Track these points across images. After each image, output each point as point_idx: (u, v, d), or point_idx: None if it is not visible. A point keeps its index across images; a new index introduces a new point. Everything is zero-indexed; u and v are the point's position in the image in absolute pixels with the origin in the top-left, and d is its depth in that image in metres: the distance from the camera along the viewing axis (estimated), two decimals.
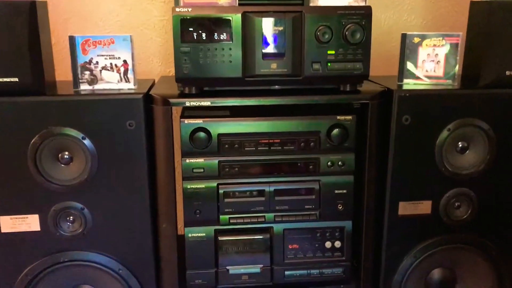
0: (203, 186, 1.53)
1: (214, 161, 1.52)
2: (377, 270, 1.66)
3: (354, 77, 1.46)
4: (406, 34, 1.59)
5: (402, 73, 1.61)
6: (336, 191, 1.58)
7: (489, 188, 1.59)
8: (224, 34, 1.40)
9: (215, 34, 1.39)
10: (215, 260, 1.59)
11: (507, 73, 1.52)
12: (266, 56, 1.42)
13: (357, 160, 1.58)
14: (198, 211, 1.54)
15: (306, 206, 1.58)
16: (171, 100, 1.44)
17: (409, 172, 1.56)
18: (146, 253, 1.52)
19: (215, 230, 1.57)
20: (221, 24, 1.39)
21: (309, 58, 1.43)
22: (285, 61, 1.43)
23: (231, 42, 1.40)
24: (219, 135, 1.50)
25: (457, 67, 1.58)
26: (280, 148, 1.52)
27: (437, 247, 1.63)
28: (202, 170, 1.52)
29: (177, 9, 1.38)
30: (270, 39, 1.42)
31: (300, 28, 1.41)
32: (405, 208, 1.60)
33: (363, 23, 1.42)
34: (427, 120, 1.53)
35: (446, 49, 1.57)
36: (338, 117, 1.53)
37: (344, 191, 1.58)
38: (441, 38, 1.57)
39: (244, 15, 1.40)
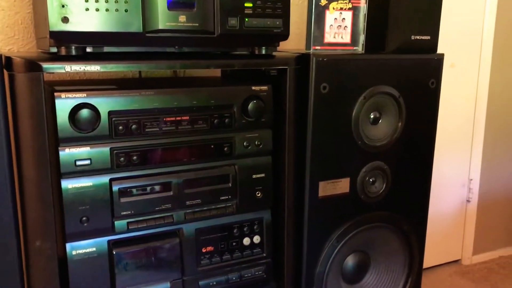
0: (91, 184, 1.13)
1: (105, 148, 1.14)
2: (299, 263, 1.45)
3: (273, 36, 1.23)
4: None
5: (310, 39, 1.45)
6: (254, 176, 1.33)
7: (400, 159, 1.53)
8: None
9: None
10: (111, 281, 1.19)
11: (413, 37, 1.47)
12: (172, 5, 1.11)
13: (274, 138, 1.35)
14: (85, 218, 1.13)
15: (222, 197, 1.29)
16: (43, 65, 1.02)
17: (328, 148, 1.40)
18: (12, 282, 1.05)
19: (109, 241, 1.18)
20: None
21: (224, 10, 1.16)
22: (195, 13, 1.13)
23: None
24: (111, 113, 1.12)
25: (363, 33, 1.48)
26: (190, 127, 1.21)
27: (354, 230, 1.50)
28: (88, 162, 1.12)
29: None
30: None
31: None
32: (325, 189, 1.43)
33: None
34: (344, 88, 1.39)
35: (352, 13, 1.46)
36: (253, 88, 1.29)
37: (263, 175, 1.34)
38: (347, 1, 1.45)
39: None
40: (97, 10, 1.03)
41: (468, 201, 2.65)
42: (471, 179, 2.61)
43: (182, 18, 1.12)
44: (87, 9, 1.02)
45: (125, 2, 1.06)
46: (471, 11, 2.33)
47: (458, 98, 2.41)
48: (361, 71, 1.40)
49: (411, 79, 1.49)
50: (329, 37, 1.46)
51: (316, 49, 1.45)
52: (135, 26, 1.08)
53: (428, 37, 1.49)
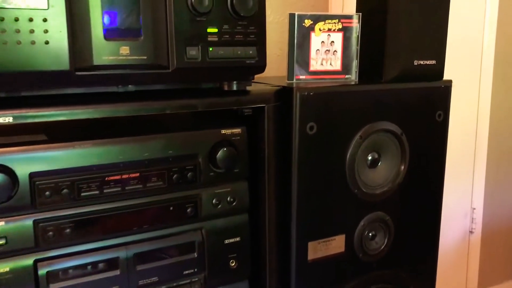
0: (7, 269, 0.85)
1: (26, 221, 0.86)
2: None
3: (245, 69, 0.97)
4: (295, 14, 1.17)
5: (293, 68, 1.19)
6: (226, 241, 1.06)
7: (404, 207, 1.27)
8: None
9: None
10: None
11: (416, 62, 1.22)
12: (110, 33, 0.84)
13: (251, 191, 1.09)
14: None
15: (186, 271, 1.02)
16: None
17: (318, 200, 1.14)
18: None
19: None
20: None
21: (181, 38, 0.90)
22: (142, 43, 0.87)
23: (46, 8, 0.79)
24: (33, 175, 0.85)
25: (356, 58, 1.23)
26: (140, 186, 0.94)
27: None
28: (3, 242, 0.84)
29: None
30: (116, 6, 0.84)
31: None
32: (316, 250, 1.16)
33: None
34: (335, 127, 1.13)
35: (343, 35, 1.21)
36: (224, 131, 1.02)
37: (237, 238, 1.07)
38: (336, 21, 1.20)
39: None
40: (4, 43, 0.76)
41: (471, 232, 2.41)
42: (474, 208, 2.37)
43: (125, 50, 0.85)
44: None
45: (44, 32, 0.79)
46: (469, 23, 2.10)
47: (457, 120, 2.17)
48: (355, 106, 1.15)
49: (414, 112, 1.24)
50: (315, 64, 1.21)
51: (300, 79, 1.20)
52: (60, 63, 0.81)
53: (434, 62, 1.25)
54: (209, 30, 0.92)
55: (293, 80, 1.20)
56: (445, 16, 1.25)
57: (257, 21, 0.96)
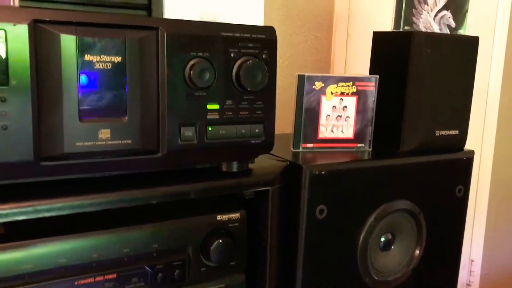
0: None
1: None
2: None
3: (249, 149, 0.81)
4: (304, 76, 1.02)
5: (299, 135, 1.04)
6: None
7: None
8: None
9: None
10: None
11: (437, 133, 1.08)
12: (87, 114, 0.67)
13: (248, 284, 0.92)
14: None
15: None
16: None
17: None
18: None
19: None
20: None
21: (175, 117, 0.73)
22: (127, 124, 0.70)
23: (5, 85, 0.62)
24: None
25: (371, 125, 1.08)
26: None
27: None
28: None
29: None
30: (95, 80, 0.68)
31: (155, 60, 0.71)
32: None
33: (265, 56, 0.79)
34: (347, 209, 0.98)
35: (357, 99, 1.06)
36: (219, 217, 0.86)
37: None
38: (350, 83, 1.05)
39: (36, 28, 0.63)
40: None
41: (468, 285, 2.27)
42: (473, 260, 2.24)
43: (105, 133, 0.69)
44: None
45: (2, 115, 0.61)
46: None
47: None
48: (370, 183, 1.00)
49: (433, 188, 1.10)
50: (325, 131, 1.05)
51: (307, 148, 1.04)
52: (22, 152, 0.63)
53: (456, 132, 1.11)
54: (209, 106, 0.76)
55: (299, 148, 1.05)
56: (471, 79, 1.12)
57: (265, 94, 0.81)
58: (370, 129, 1.08)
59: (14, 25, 0.62)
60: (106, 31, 0.68)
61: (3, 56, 0.62)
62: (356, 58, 1.71)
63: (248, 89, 0.78)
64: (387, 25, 1.32)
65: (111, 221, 0.78)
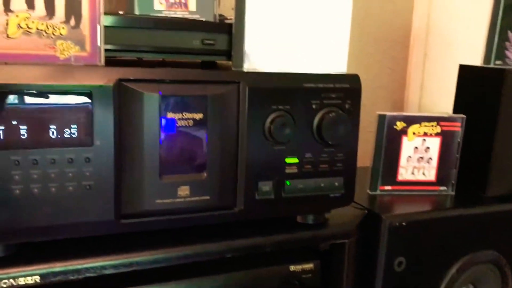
0: None
1: None
2: None
3: (327, 202, 0.78)
4: (384, 115, 0.97)
5: (377, 177, 0.99)
6: None
7: None
8: (74, 129, 0.61)
9: (54, 129, 0.60)
10: None
11: None
12: (167, 171, 0.66)
13: None
14: None
15: None
16: None
17: None
18: None
19: None
20: (67, 106, 0.61)
21: (253, 172, 0.71)
22: (206, 181, 0.69)
23: (90, 146, 0.62)
24: None
25: (455, 168, 1.01)
26: None
27: None
28: None
29: None
30: (175, 139, 0.67)
31: (235, 114, 0.69)
32: None
33: (348, 105, 0.75)
34: (428, 260, 0.92)
35: (441, 140, 0.99)
36: (293, 268, 0.83)
37: None
38: (434, 123, 0.98)
39: (121, 87, 0.63)
40: (34, 192, 0.60)
41: None
42: None
43: (184, 190, 0.68)
44: (17, 191, 0.59)
45: (85, 175, 0.62)
46: None
47: None
48: (454, 233, 0.94)
49: None
50: (405, 173, 1.00)
51: (385, 191, 0.99)
52: (103, 212, 0.64)
53: None
54: (288, 160, 0.73)
55: (376, 191, 1.00)
56: None
57: (347, 146, 0.77)
58: (454, 172, 1.01)
59: (100, 86, 0.62)
60: (188, 87, 0.67)
61: (89, 118, 0.62)
62: (435, 79, 1.62)
63: (329, 142, 0.74)
64: (473, 49, 1.23)
65: (184, 271, 0.77)
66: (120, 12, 0.91)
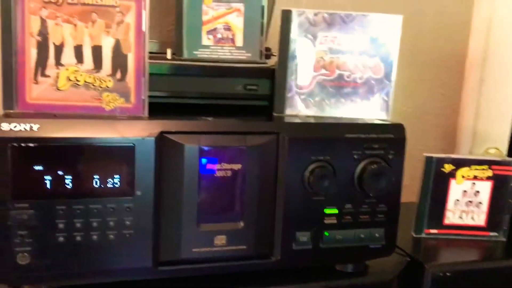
0: None
1: None
2: None
3: (368, 253, 0.76)
4: (432, 157, 0.93)
5: (422, 220, 0.95)
6: None
7: None
8: (117, 179, 0.63)
9: (98, 179, 0.62)
10: None
11: None
12: (204, 220, 0.67)
13: None
14: None
15: None
16: None
17: None
18: None
19: None
20: (110, 158, 0.63)
21: (291, 222, 0.71)
22: (242, 230, 0.69)
23: (131, 196, 0.63)
24: None
25: (508, 213, 0.96)
26: None
27: None
28: None
29: (3, 128, 0.59)
30: (213, 189, 0.67)
31: (274, 165, 0.69)
32: None
33: (392, 156, 0.73)
34: None
35: (493, 184, 0.95)
36: None
37: None
38: (486, 167, 0.94)
39: (163, 139, 0.64)
40: (76, 241, 0.62)
41: None
42: None
43: (221, 239, 0.69)
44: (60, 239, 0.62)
45: (125, 224, 0.63)
46: None
47: None
48: (503, 285, 0.89)
49: None
50: (452, 217, 0.96)
51: (431, 234, 0.96)
52: (140, 259, 0.65)
53: None
54: (327, 211, 0.73)
55: (421, 234, 0.97)
56: None
57: (389, 198, 0.75)
58: (506, 217, 0.97)
59: (143, 138, 0.64)
60: (228, 138, 0.68)
61: (131, 169, 0.64)
62: (492, 105, 1.56)
63: (369, 193, 0.73)
64: None
65: None
66: (168, 52, 0.93)
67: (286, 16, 0.75)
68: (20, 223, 0.61)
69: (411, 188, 0.97)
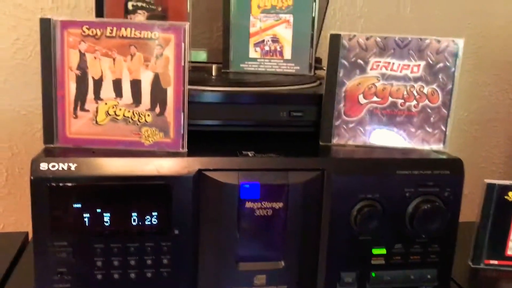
0: None
1: None
2: None
3: None
4: (494, 185, 0.86)
5: (481, 249, 0.88)
6: None
7: None
8: (155, 217, 0.61)
9: (135, 216, 0.61)
10: None
11: None
12: (243, 259, 0.65)
13: None
14: None
15: None
16: None
17: None
18: None
19: None
20: (148, 196, 0.61)
21: (334, 262, 0.67)
22: (283, 270, 0.66)
23: (169, 234, 0.62)
24: None
25: None
26: None
27: None
28: None
29: (42, 167, 0.58)
30: (253, 227, 0.65)
31: (318, 202, 0.65)
32: None
33: (448, 194, 0.67)
34: None
35: None
36: None
37: None
38: None
39: (201, 177, 0.62)
40: (116, 276, 0.61)
41: None
42: None
43: (260, 279, 0.67)
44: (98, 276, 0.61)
45: (164, 265, 0.62)
46: None
47: None
48: None
49: None
50: None
51: (490, 265, 0.89)
52: None
53: None
54: (375, 251, 0.68)
55: (480, 264, 0.90)
56: None
57: (444, 237, 0.69)
58: None
59: (181, 176, 0.62)
60: (269, 175, 0.64)
61: (168, 207, 0.62)
62: None
63: (421, 234, 0.68)
64: None
65: None
66: (213, 69, 0.91)
67: (335, 41, 0.70)
68: (60, 260, 0.61)
69: (470, 198, 0.91)
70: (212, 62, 1.07)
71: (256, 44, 1.00)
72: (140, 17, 0.94)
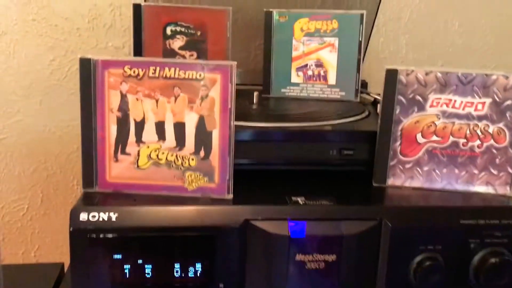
0: None
1: None
2: None
3: None
4: None
5: None
6: None
7: None
8: (198, 268, 0.58)
9: (178, 268, 0.57)
10: None
11: None
12: None
13: None
14: None
15: None
16: None
17: None
18: None
19: None
20: (191, 247, 0.57)
21: None
22: None
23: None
24: None
25: None
26: None
27: None
28: None
29: (82, 218, 0.55)
30: (303, 282, 0.60)
31: (375, 255, 0.60)
32: None
33: None
34: None
35: None
36: None
37: None
38: None
39: (248, 227, 0.58)
40: None
41: None
42: None
43: None
44: None
45: None
46: None
47: None
48: None
49: None
50: None
51: None
52: None
53: None
54: None
55: None
56: None
57: None
58: None
59: (226, 227, 0.57)
60: (321, 225, 0.59)
61: (213, 258, 0.58)
62: None
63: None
64: None
65: None
66: (255, 96, 0.86)
67: (392, 76, 0.65)
68: None
69: None
70: (249, 84, 1.02)
71: (298, 69, 0.95)
72: (179, 42, 0.90)
